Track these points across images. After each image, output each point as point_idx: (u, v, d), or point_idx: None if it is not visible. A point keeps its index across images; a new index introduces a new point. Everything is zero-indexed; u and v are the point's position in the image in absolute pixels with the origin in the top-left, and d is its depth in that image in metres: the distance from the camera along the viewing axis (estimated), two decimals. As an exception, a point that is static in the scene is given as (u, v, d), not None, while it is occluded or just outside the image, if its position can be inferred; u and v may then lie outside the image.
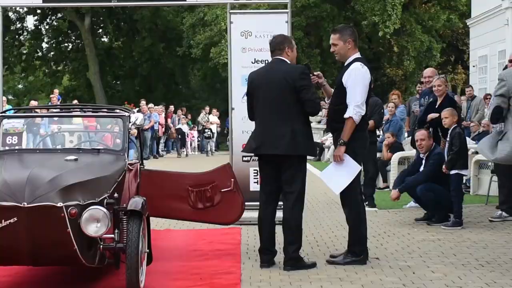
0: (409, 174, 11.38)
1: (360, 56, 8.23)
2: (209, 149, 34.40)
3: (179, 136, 34.05)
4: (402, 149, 15.96)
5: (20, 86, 57.05)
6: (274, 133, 7.87)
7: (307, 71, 8.05)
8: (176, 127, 34.11)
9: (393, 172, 14.99)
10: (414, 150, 12.43)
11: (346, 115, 7.86)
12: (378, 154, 15.36)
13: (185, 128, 34.70)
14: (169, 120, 33.81)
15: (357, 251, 8.07)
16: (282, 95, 7.87)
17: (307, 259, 8.15)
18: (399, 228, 10.59)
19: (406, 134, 17.61)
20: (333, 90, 8.34)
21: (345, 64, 8.17)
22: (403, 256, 8.57)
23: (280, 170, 7.94)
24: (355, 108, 7.85)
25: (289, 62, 8.08)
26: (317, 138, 25.57)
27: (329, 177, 8.17)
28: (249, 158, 10.93)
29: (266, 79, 8.01)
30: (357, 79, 7.96)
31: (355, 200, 8.14)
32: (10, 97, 49.50)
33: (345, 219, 8.24)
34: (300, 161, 7.96)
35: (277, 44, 8.16)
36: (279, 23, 11.12)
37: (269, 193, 8.10)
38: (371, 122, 11.48)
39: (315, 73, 8.27)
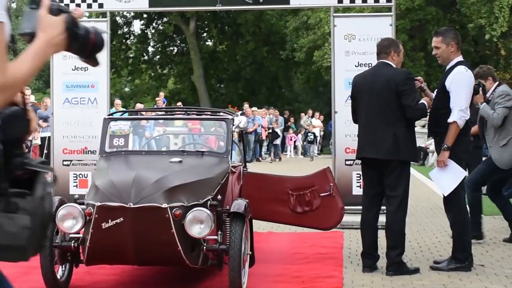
0: (517, 180, 11.12)
1: (462, 59, 8.10)
2: (311, 153, 33.92)
3: (271, 140, 33.16)
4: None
5: (126, 89, 58.19)
6: (376, 137, 7.82)
7: (411, 76, 7.98)
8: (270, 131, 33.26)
9: (499, 177, 14.64)
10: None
11: (450, 120, 7.73)
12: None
13: (278, 131, 34.16)
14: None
15: (461, 257, 7.94)
16: (386, 99, 7.81)
17: (410, 265, 8.07)
18: (505, 235, 10.35)
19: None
20: (434, 94, 8.23)
21: (448, 67, 8.05)
22: (509, 263, 8.39)
23: (383, 174, 7.88)
24: (459, 113, 7.72)
25: (394, 66, 8.01)
26: (421, 142, 25.20)
27: (437, 179, 8.07)
28: (352, 162, 10.88)
29: (370, 82, 7.96)
30: (461, 82, 7.83)
31: (459, 205, 8.01)
32: (117, 100, 50.55)
33: (449, 225, 8.12)
34: (403, 165, 7.88)
35: (383, 47, 8.10)
36: (383, 26, 11.02)
37: (372, 197, 8.05)
38: (476, 127, 11.27)
39: (416, 77, 8.18)
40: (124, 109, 24.03)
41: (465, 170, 8.08)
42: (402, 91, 7.73)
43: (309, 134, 34.33)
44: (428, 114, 8.26)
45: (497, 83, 10.06)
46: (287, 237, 10.36)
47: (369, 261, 7.96)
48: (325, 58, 34.11)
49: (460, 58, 8.06)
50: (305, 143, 35.23)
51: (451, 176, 7.84)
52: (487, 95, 9.78)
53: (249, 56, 47.54)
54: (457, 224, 7.97)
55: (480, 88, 9.69)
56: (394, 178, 7.81)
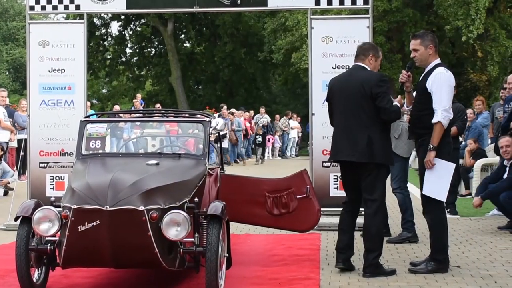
0: (492, 181, 11.20)
1: (440, 61, 8.15)
2: (259, 156, 32.41)
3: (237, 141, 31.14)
4: (485, 156, 15.70)
5: (104, 90, 58.01)
6: (351, 140, 7.84)
7: (385, 78, 8.02)
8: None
9: (476, 179, 14.75)
10: (498, 157, 12.23)
11: (434, 120, 7.76)
12: (461, 161, 15.14)
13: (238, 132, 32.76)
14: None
15: (440, 258, 7.96)
16: (360, 102, 7.83)
17: (387, 266, 8.09)
18: (481, 236, 10.43)
19: (489, 141, 17.31)
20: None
21: (426, 70, 8.09)
22: (485, 264, 8.43)
23: (359, 176, 7.90)
24: (443, 113, 7.76)
25: (369, 69, 8.03)
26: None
27: (431, 188, 8.00)
28: (329, 163, 10.89)
29: (345, 85, 7.98)
30: (442, 83, 7.87)
31: (436, 207, 8.03)
32: (94, 101, 50.43)
33: (428, 226, 8.15)
34: (379, 168, 7.90)
35: (363, 49, 8.14)
36: (361, 29, 11.07)
37: (349, 199, 8.08)
38: (453, 128, 11.33)
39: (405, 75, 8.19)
40: (93, 111, 23.93)
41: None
42: (377, 94, 7.75)
43: (257, 136, 32.96)
44: (410, 116, 8.29)
45: None
46: (264, 239, 10.36)
47: (342, 255, 7.94)
48: (302, 60, 34.19)
49: (438, 60, 8.11)
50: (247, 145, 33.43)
51: (442, 173, 7.85)
52: None
53: (227, 57, 47.60)
54: (436, 226, 7.98)
55: None
56: (370, 181, 7.83)
